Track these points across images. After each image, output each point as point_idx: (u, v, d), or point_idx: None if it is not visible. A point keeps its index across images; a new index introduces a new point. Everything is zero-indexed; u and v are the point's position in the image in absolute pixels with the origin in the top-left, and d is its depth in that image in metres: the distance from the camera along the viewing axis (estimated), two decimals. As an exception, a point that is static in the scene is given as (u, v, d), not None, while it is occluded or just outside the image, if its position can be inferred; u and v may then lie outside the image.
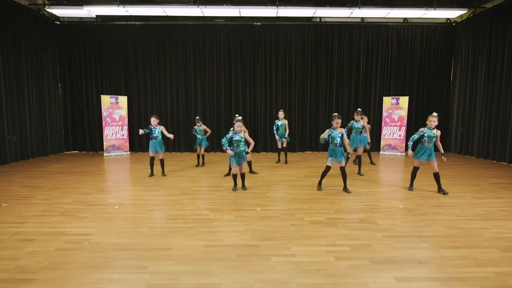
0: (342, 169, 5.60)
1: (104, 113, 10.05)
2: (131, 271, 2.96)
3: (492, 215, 4.52)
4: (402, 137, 10.31)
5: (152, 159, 6.93)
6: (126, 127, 10.47)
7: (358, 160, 7.32)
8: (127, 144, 10.56)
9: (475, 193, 5.64)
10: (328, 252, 3.33)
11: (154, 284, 2.74)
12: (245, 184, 5.91)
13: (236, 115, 5.97)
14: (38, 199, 5.29)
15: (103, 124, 10.07)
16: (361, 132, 7.28)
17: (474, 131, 9.86)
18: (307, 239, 3.66)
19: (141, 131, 6.74)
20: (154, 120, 6.77)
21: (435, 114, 5.42)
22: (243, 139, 5.56)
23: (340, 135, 5.50)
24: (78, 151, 11.12)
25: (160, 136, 6.83)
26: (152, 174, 6.99)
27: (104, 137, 10.11)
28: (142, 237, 3.74)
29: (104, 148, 10.16)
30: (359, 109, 7.37)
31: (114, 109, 10.21)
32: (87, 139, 11.08)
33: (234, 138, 5.53)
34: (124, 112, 10.42)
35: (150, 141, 6.84)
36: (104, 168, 8.21)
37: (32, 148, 9.45)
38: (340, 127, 5.54)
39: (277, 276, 2.87)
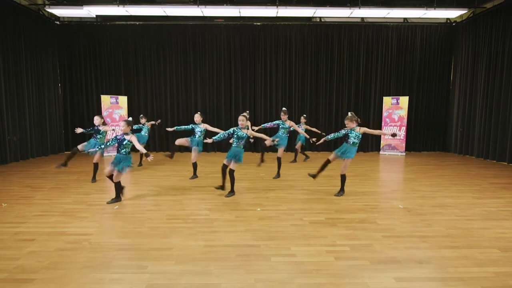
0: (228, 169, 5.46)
1: (104, 113, 10.03)
2: (131, 271, 2.97)
3: (492, 215, 4.52)
4: (402, 137, 10.31)
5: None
6: (126, 127, 10.45)
7: (277, 162, 6.99)
8: (127, 144, 10.54)
9: (475, 193, 5.64)
10: (328, 252, 3.33)
11: (154, 284, 2.74)
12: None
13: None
14: (38, 199, 5.29)
15: (103, 124, 10.06)
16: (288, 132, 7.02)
17: (474, 131, 9.85)
18: (307, 239, 3.66)
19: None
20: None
21: (349, 114, 5.52)
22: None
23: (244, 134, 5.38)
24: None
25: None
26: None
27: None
28: (142, 237, 3.74)
29: (104, 148, 10.14)
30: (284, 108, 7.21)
31: (114, 109, 10.20)
32: (87, 139, 10.99)
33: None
34: (124, 112, 10.41)
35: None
36: (104, 168, 8.18)
37: (32, 148, 9.43)
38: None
39: (277, 276, 2.87)
